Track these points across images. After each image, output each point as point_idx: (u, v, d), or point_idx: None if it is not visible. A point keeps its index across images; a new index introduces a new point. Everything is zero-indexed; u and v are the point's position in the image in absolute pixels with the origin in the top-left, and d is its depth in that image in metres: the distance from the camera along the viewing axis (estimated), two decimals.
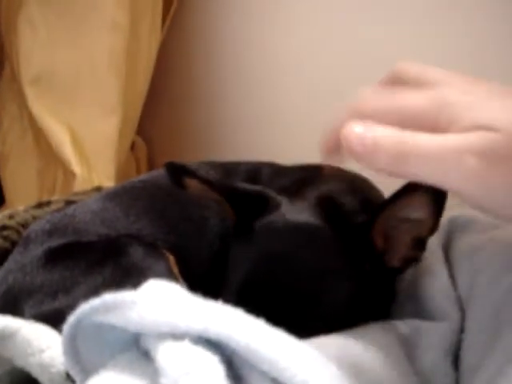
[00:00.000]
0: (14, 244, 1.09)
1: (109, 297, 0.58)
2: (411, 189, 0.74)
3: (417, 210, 0.77)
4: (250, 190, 0.90)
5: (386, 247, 0.82)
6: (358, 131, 0.60)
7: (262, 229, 0.85)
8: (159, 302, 0.58)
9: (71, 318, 0.58)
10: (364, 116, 0.64)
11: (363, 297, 0.82)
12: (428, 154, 0.57)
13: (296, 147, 1.64)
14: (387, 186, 1.02)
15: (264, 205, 0.87)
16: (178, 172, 0.88)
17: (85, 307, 0.58)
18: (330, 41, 1.59)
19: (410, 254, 0.82)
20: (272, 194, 0.89)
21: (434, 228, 0.79)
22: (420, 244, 0.81)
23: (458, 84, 0.64)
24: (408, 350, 0.79)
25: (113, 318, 0.57)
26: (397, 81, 0.69)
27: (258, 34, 1.73)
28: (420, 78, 0.66)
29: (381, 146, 0.59)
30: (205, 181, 0.87)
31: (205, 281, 0.92)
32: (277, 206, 0.87)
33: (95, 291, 0.59)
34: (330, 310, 0.79)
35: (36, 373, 0.71)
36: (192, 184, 0.87)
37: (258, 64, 1.75)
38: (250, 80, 1.78)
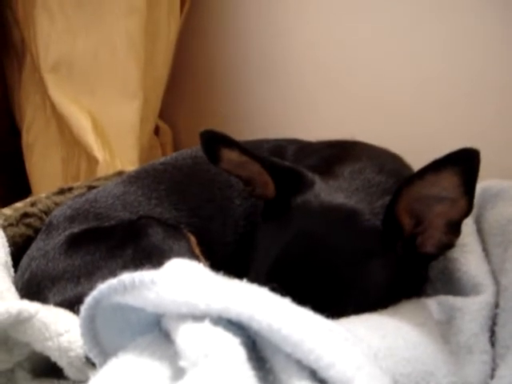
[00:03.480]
0: (36, 231, 1.08)
1: (126, 277, 0.56)
2: (439, 165, 0.70)
3: (447, 189, 0.72)
4: (286, 165, 0.87)
5: (418, 230, 0.78)
6: None
7: (296, 208, 0.82)
8: (179, 282, 0.55)
9: (89, 299, 0.56)
10: None
11: (397, 280, 0.78)
12: None
13: (320, 126, 1.63)
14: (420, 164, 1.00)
15: (298, 182, 0.84)
16: (214, 142, 0.83)
17: (102, 288, 0.56)
18: (345, 23, 1.58)
19: (443, 239, 0.77)
20: (305, 171, 0.86)
21: (467, 209, 0.73)
22: (454, 228, 0.77)
23: None
24: (443, 327, 0.76)
25: (131, 299, 0.55)
26: None
27: (280, 15, 1.71)
28: None
29: None
30: (246, 152, 0.83)
31: (230, 264, 0.90)
32: (311, 185, 0.84)
33: (116, 274, 0.57)
34: (363, 291, 0.76)
35: (54, 357, 0.69)
36: (227, 156, 0.84)
37: (282, 47, 1.73)
38: (274, 62, 1.76)
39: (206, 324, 0.52)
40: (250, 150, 0.84)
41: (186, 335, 0.52)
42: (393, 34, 1.48)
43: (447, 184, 0.71)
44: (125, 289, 0.55)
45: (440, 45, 1.41)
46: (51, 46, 1.61)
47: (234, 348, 0.50)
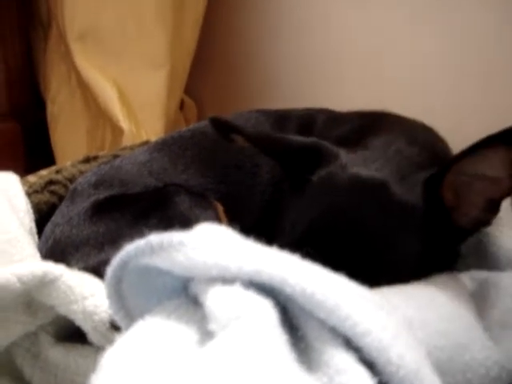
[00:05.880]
0: (61, 199, 1.08)
1: (154, 238, 0.54)
2: (490, 142, 0.68)
3: (494, 167, 0.70)
4: (301, 143, 0.85)
5: (456, 204, 0.76)
6: None
7: (322, 181, 0.79)
8: (209, 244, 0.53)
9: (115, 260, 0.54)
10: None
11: (429, 253, 0.76)
12: None
13: (348, 100, 1.60)
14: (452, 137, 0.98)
15: (318, 157, 0.82)
16: (222, 127, 0.86)
17: (129, 249, 0.54)
18: None
19: (480, 216, 0.76)
20: (327, 144, 0.84)
21: (510, 189, 0.72)
22: (493, 206, 0.75)
23: None
24: (476, 302, 0.73)
25: (158, 260, 0.53)
26: None
27: None
28: None
29: None
30: (249, 138, 0.83)
31: (256, 230, 0.89)
32: (334, 157, 0.81)
33: None
34: (394, 265, 0.74)
35: (79, 321, 0.68)
36: (239, 138, 0.84)
37: (311, 20, 1.70)
38: (303, 33, 1.72)
39: (237, 287, 0.50)
40: (252, 133, 0.85)
41: (215, 298, 0.50)
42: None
43: (497, 162, 0.69)
44: (152, 250, 0.54)
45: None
46: (78, 14, 1.60)
47: (266, 311, 0.49)
